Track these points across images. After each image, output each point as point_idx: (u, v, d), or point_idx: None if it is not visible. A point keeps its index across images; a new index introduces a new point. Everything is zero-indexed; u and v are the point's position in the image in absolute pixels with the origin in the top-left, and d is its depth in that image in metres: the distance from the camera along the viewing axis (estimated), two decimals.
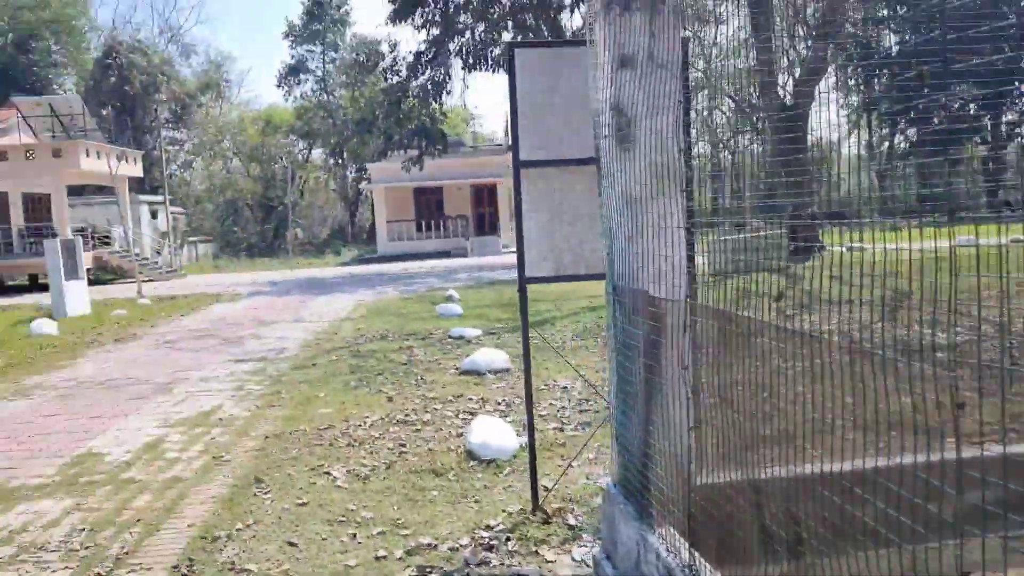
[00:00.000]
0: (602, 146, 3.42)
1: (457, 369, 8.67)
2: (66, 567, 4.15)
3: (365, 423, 6.72)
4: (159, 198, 40.73)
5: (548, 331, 11.08)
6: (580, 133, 4.38)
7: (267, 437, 6.47)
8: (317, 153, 56.11)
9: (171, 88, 54.02)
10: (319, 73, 50.06)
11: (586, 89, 4.38)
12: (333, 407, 7.35)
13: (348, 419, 6.89)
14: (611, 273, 3.43)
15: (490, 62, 25.16)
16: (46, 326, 15.09)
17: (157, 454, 6.16)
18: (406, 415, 6.91)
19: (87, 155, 27.83)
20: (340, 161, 51.95)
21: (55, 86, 57.36)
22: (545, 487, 4.83)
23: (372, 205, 55.46)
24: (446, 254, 32.74)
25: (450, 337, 10.93)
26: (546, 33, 25.02)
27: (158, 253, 34.00)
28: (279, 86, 50.05)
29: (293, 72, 49.59)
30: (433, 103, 24.73)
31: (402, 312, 14.56)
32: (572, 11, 25.24)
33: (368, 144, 29.94)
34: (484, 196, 36.16)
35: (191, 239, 44.36)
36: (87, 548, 4.38)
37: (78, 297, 18.37)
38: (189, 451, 6.21)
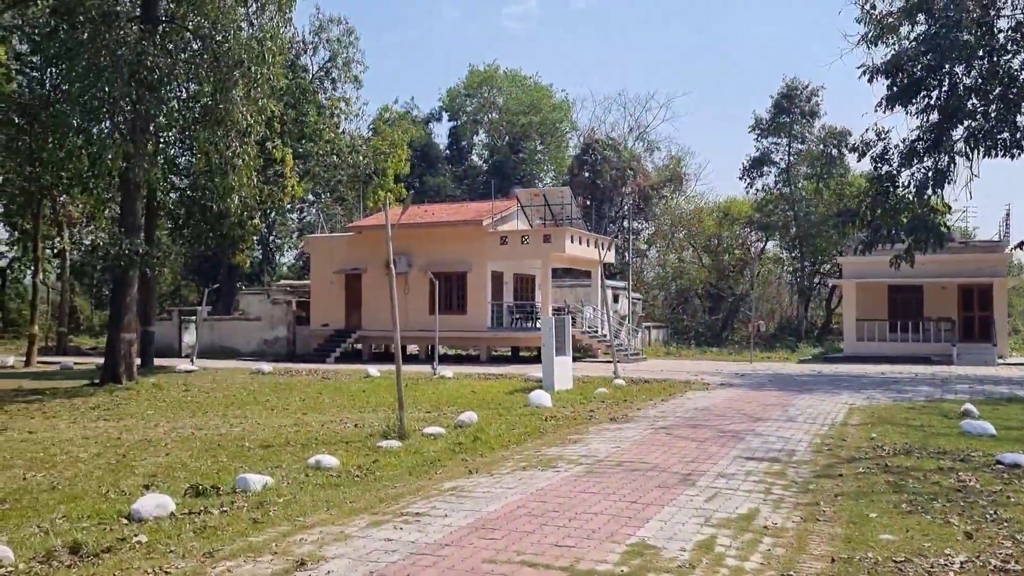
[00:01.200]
0: None
1: None
2: None
3: (951, 563, 5.57)
4: (620, 283, 43.02)
5: None
6: None
7: (834, 560, 5.64)
8: (771, 245, 55.16)
9: (637, 182, 57.48)
10: (782, 165, 49.38)
11: None
12: (895, 534, 6.29)
13: (924, 554, 5.79)
14: None
15: (1002, 147, 22.22)
16: (543, 398, 16.12)
17: (716, 559, 5.66)
18: (1004, 561, 5.60)
19: (571, 241, 30.28)
20: (798, 254, 50.31)
21: (536, 180, 64.65)
22: None
23: (827, 301, 52.94)
24: (925, 360, 29.31)
25: (1000, 463, 9.14)
26: None
27: (618, 336, 35.49)
28: (741, 178, 50.29)
29: (756, 164, 49.55)
30: (931, 193, 22.42)
31: (912, 423, 12.85)
32: None
33: (848, 236, 28.25)
34: (975, 298, 31.94)
35: (646, 324, 45.89)
36: None
37: (565, 372, 19.54)
38: (750, 560, 5.62)
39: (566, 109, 68.73)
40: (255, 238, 35.24)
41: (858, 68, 23.75)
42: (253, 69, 20.91)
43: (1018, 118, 22.77)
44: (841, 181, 47.39)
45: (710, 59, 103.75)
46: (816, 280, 51.44)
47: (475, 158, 69.64)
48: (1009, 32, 23.05)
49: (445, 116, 68.63)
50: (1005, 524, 6.56)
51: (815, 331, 49.45)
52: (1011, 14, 22.65)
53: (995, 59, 22.69)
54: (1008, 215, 32.98)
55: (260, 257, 49.47)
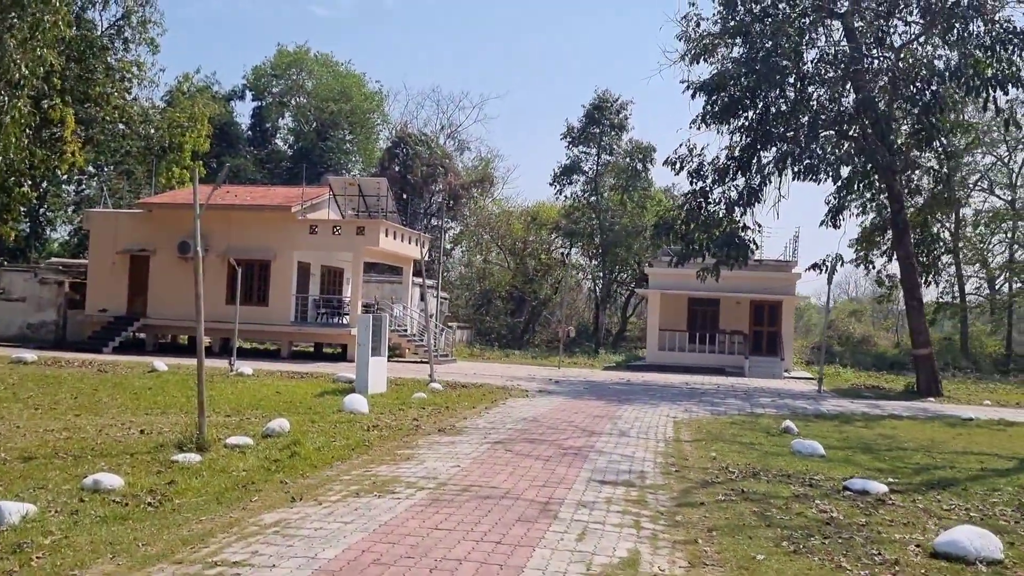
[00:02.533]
0: None
1: (920, 547, 6.70)
2: None
3: None
4: (429, 282, 42.00)
5: (968, 500, 8.82)
6: None
7: None
8: (574, 252, 56.15)
9: (447, 180, 56.70)
10: (591, 174, 50.34)
11: None
12: None
13: None
14: None
15: (806, 171, 23.34)
16: (359, 403, 14.75)
17: None
18: None
19: (386, 235, 28.90)
20: (600, 262, 51.56)
21: (344, 171, 62.23)
22: None
23: (623, 309, 54.66)
24: (720, 371, 30.55)
25: (849, 490, 8.95)
26: (867, 141, 22.90)
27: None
28: (552, 184, 50.79)
29: (566, 172, 50.16)
30: (741, 211, 23.23)
31: (742, 440, 12.74)
32: (904, 122, 23.09)
33: (662, 247, 28.84)
34: (765, 314, 33.77)
35: (451, 324, 45.23)
36: None
37: (379, 374, 18.23)
38: None
39: (378, 100, 66.79)
40: (23, 208, 30.88)
41: (681, 83, 24.22)
42: (36, 14, 18.00)
43: (825, 146, 24.07)
44: (643, 194, 49.03)
45: (528, 65, 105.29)
46: (614, 288, 52.95)
47: (279, 142, 66.11)
48: (816, 63, 24.33)
49: (249, 95, 64.59)
50: (896, 568, 6.13)
51: (610, 338, 50.88)
52: (821, 46, 23.92)
53: (804, 87, 23.84)
54: (797, 237, 35.16)
55: (28, 230, 43.95)
